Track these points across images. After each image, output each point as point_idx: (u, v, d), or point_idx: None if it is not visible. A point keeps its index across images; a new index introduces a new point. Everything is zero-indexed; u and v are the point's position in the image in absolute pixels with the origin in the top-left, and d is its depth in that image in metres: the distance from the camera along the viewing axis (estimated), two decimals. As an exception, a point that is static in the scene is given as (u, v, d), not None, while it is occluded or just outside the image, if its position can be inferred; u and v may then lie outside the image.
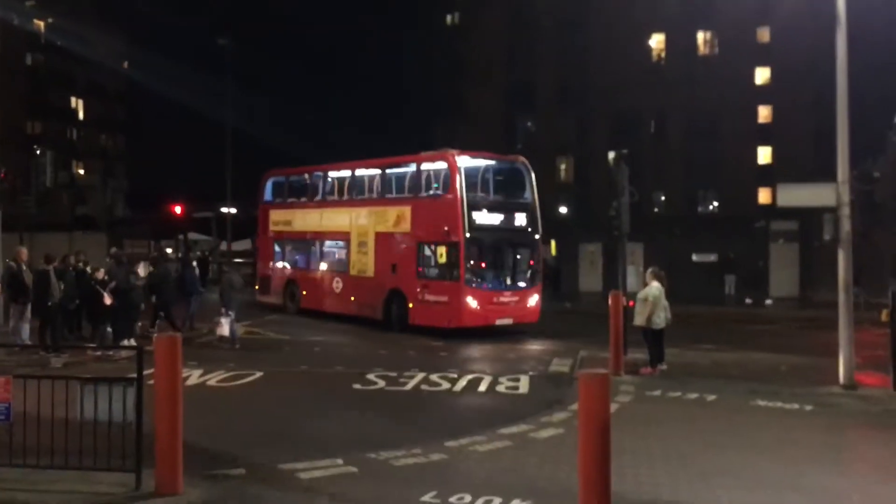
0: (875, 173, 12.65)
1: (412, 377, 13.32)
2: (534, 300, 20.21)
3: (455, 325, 18.77)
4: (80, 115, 65.58)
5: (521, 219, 20.36)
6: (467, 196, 19.20)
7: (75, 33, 53.40)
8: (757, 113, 43.72)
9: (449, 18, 50.29)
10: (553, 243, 18.75)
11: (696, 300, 27.62)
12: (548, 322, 20.87)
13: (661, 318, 13.96)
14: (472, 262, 19.04)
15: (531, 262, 20.59)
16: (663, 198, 44.28)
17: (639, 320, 14.07)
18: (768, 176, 40.99)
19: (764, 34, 43.10)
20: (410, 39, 45.29)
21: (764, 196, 42.60)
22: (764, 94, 43.17)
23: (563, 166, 47.52)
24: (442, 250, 19.44)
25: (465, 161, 19.84)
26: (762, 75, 43.74)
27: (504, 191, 21.14)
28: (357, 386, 12.58)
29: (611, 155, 40.59)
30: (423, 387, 12.63)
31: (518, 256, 20.60)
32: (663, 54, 44.91)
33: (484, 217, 19.49)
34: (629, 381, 12.92)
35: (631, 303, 14.63)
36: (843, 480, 7.81)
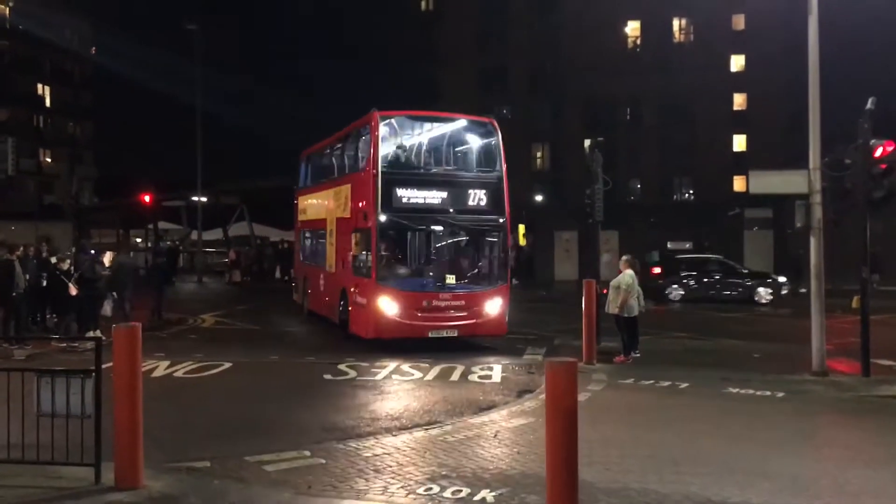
0: (846, 160, 12.65)
1: (384, 367, 13.19)
2: (495, 306, 15.18)
3: (371, 335, 14.94)
4: (47, 102, 64.45)
5: (479, 198, 15.43)
6: (389, 167, 15.24)
7: (41, 18, 52.43)
8: (732, 100, 44.00)
9: (423, 4, 49.99)
10: (522, 228, 16.43)
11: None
12: (523, 311, 20.77)
13: (635, 306, 13.94)
14: (386, 254, 15.23)
15: (492, 255, 15.77)
16: (639, 185, 44.45)
17: (612, 308, 14.05)
18: (743, 163, 41.26)
19: (739, 21, 43.32)
20: (384, 25, 44.81)
21: (739, 184, 42.91)
22: (739, 81, 43.44)
23: (538, 153, 47.53)
24: (357, 238, 15.33)
25: (392, 122, 15.92)
26: (737, 63, 43.98)
27: (458, 161, 17.20)
28: (328, 376, 12.42)
29: (587, 142, 40.73)
30: (395, 376, 12.50)
31: (471, 247, 16.17)
32: (639, 41, 45.00)
33: (413, 194, 15.14)
34: (602, 370, 12.89)
35: (604, 290, 14.60)
36: (814, 466, 7.79)
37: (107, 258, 17.52)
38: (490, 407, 10.04)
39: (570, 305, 23.57)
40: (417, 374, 12.63)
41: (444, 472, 7.30)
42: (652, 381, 12.01)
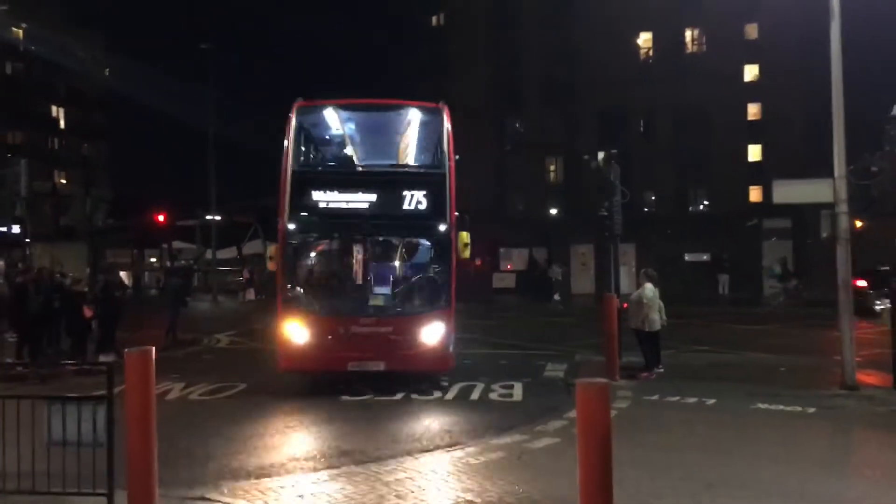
0: (873, 168, 12.37)
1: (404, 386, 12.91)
2: (434, 334, 12.16)
3: (281, 367, 12.57)
4: (62, 124, 64.85)
5: (416, 199, 12.46)
6: (305, 164, 13.05)
7: (55, 41, 52.83)
8: (746, 110, 43.63)
9: (434, 20, 50.05)
10: (465, 237, 12.65)
11: (690, 300, 27.39)
12: (541, 326, 20.50)
13: (657, 321, 13.65)
14: (294, 268, 12.80)
15: (431, 271, 13.14)
16: (653, 197, 44.11)
17: (634, 323, 13.76)
18: (759, 173, 40.87)
19: (752, 30, 43.04)
20: (396, 41, 44.99)
21: (755, 194, 42.48)
22: (753, 91, 43.09)
23: (552, 167, 47.32)
24: (271, 251, 12.93)
25: (315, 113, 13.36)
26: (751, 72, 43.67)
27: (394, 156, 15.00)
28: (345, 397, 12.14)
29: (600, 155, 40.41)
30: (413, 395, 12.22)
31: (403, 261, 13.83)
32: (651, 52, 44.79)
33: (333, 197, 12.48)
34: (626, 386, 12.57)
35: (625, 305, 14.30)
36: (854, 487, 7.47)
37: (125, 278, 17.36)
38: (512, 427, 9.75)
39: (587, 320, 23.28)
40: (437, 394, 12.35)
41: (468, 497, 7.04)
42: (678, 398, 11.69)
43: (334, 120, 13.83)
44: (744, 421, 10.31)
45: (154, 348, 6.61)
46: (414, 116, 13.60)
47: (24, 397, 6.71)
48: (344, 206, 12.47)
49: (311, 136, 13.78)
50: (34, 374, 13.28)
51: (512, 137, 47.55)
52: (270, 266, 12.71)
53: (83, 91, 64.36)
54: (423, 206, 12.45)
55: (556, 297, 35.95)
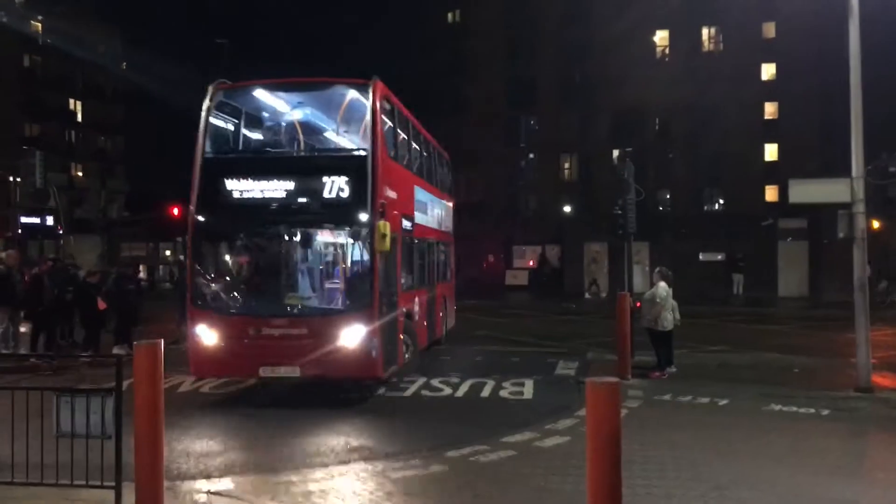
0: (891, 168, 12.21)
1: (413, 382, 12.87)
2: (355, 337, 10.80)
3: (192, 372, 11.67)
4: (79, 117, 65.23)
5: (337, 187, 11.15)
6: (218, 151, 11.91)
7: (72, 34, 53.06)
8: (763, 109, 43.28)
9: (450, 16, 49.95)
10: (383, 227, 10.61)
11: (704, 300, 27.21)
12: (553, 324, 20.44)
13: (670, 320, 13.54)
14: (204, 265, 11.74)
15: (351, 267, 12.10)
16: (668, 196, 43.85)
17: (647, 322, 13.66)
18: (775, 173, 40.57)
19: (769, 29, 42.71)
20: (411, 38, 44.84)
21: (771, 193, 42.18)
22: (770, 90, 42.75)
23: (566, 164, 47.16)
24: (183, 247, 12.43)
25: (234, 95, 12.39)
26: (768, 71, 43.32)
27: (316, 140, 13.71)
28: (354, 393, 12.14)
29: (615, 153, 40.34)
30: (424, 392, 12.19)
31: (320, 256, 12.79)
32: (667, 51, 44.53)
33: (247, 186, 11.40)
34: (637, 385, 12.48)
35: (637, 303, 14.20)
36: (868, 491, 7.37)
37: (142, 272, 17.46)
38: (524, 425, 9.68)
39: (600, 318, 23.17)
40: (447, 391, 12.31)
41: (478, 496, 7.00)
42: (690, 398, 11.59)
43: (256, 102, 12.80)
44: (756, 422, 10.20)
45: (164, 341, 6.62)
46: (340, 95, 12.54)
47: (33, 389, 6.73)
48: (256, 195, 11.35)
49: (230, 120, 12.47)
50: (47, 366, 13.36)
51: (527, 135, 47.41)
52: None
53: (101, 85, 64.72)
54: (342, 194, 11.11)
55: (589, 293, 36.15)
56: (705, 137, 41.54)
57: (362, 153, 11.40)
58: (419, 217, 14.75)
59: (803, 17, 36.53)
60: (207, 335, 11.03)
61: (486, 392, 12.23)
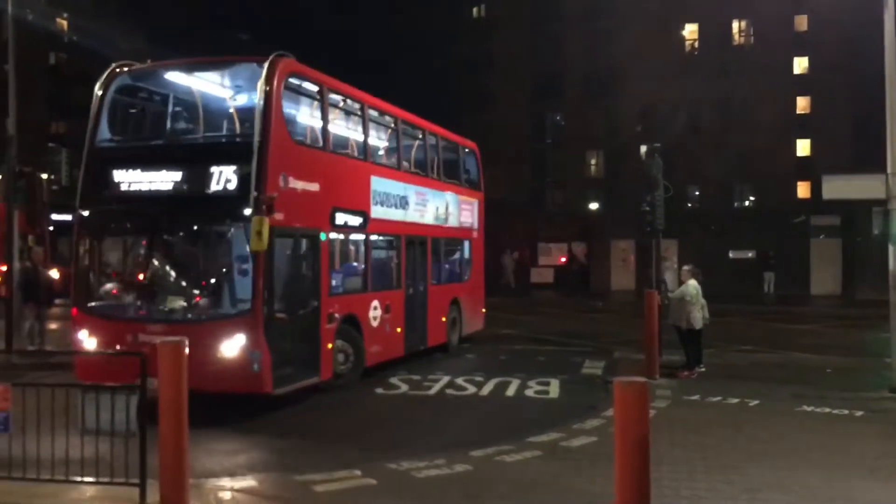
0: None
1: (437, 381, 12.82)
2: (233, 346, 9.60)
3: (77, 376, 9.74)
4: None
5: (224, 177, 10.00)
6: (109, 140, 10.89)
7: (97, 32, 53.60)
8: (795, 104, 42.61)
9: (475, 11, 49.81)
10: (259, 223, 9.18)
11: (734, 298, 26.84)
12: (579, 322, 20.27)
13: (699, 318, 13.34)
14: (86, 264, 10.77)
15: (229, 267, 10.87)
16: (697, 192, 43.36)
17: (675, 320, 13.47)
18: (807, 169, 39.98)
19: (802, 22, 42.06)
20: (436, 33, 44.79)
21: (803, 190, 41.55)
22: (802, 84, 42.10)
23: (592, 161, 46.85)
24: None
25: (135, 77, 11.36)
26: (800, 65, 42.67)
27: (209, 123, 12.02)
28: (379, 390, 12.11)
29: (643, 148, 39.93)
30: (448, 391, 12.12)
31: (200, 255, 11.20)
32: (696, 44, 44.01)
33: (136, 178, 10.38)
34: (665, 385, 12.30)
35: (666, 301, 13.99)
36: (903, 496, 7.17)
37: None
38: (550, 425, 9.56)
39: (627, 316, 22.96)
40: (472, 389, 12.23)
41: (503, 495, 6.91)
42: (719, 398, 11.39)
43: (152, 86, 11.76)
44: (788, 423, 10.00)
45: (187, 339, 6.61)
46: (236, 75, 11.47)
47: (59, 385, 6.75)
48: (139, 189, 10.35)
49: (123, 106, 11.38)
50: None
51: (552, 131, 47.14)
52: None
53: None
54: (227, 186, 9.97)
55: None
56: (735, 132, 41.02)
57: (245, 141, 10.07)
58: (379, 211, 13.19)
59: (837, 9, 35.88)
60: (88, 342, 10.19)
61: (511, 391, 12.12)
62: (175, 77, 11.67)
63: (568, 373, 13.77)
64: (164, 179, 10.31)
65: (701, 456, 8.27)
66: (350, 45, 46.18)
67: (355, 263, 13.36)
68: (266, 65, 10.29)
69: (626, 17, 41.47)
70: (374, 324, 12.93)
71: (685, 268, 14.15)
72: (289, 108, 11.36)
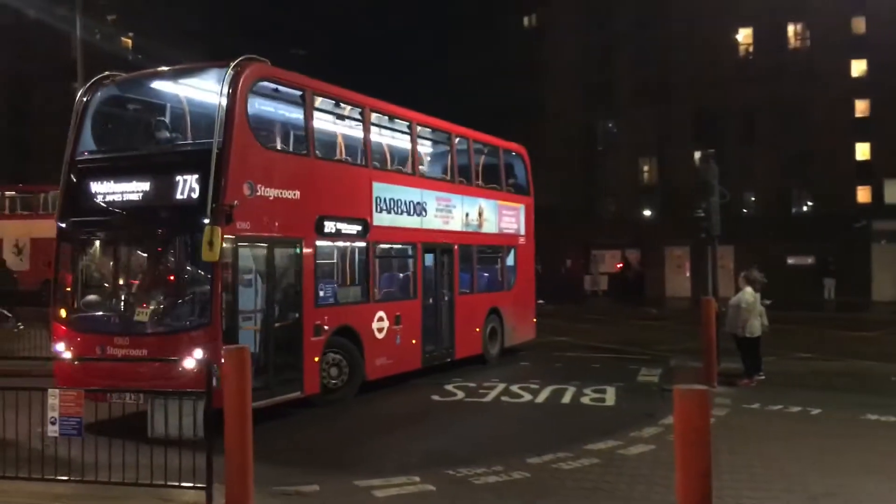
0: None
1: (492, 388, 12.86)
2: (192, 360, 8.95)
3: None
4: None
5: (188, 186, 9.80)
6: (80, 150, 10.79)
7: (160, 49, 54.99)
8: (853, 107, 41.56)
9: (526, 20, 49.81)
10: (211, 233, 8.98)
11: (793, 305, 26.28)
12: (634, 330, 20.07)
13: (757, 326, 13.12)
14: (63, 279, 10.70)
15: (185, 277, 10.48)
16: (753, 198, 42.55)
17: (732, 328, 13.27)
18: (867, 173, 38.95)
19: (859, 24, 41.02)
20: (486, 42, 44.85)
21: (863, 194, 40.43)
22: (861, 87, 41.01)
23: (645, 167, 46.37)
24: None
25: (106, 89, 11.15)
26: (858, 67, 41.59)
27: (180, 132, 11.42)
28: (435, 397, 12.20)
29: (696, 154, 39.37)
30: (504, 398, 12.15)
31: (161, 265, 10.92)
32: (751, 48, 43.28)
33: (109, 189, 10.33)
34: (724, 393, 12.12)
35: (723, 308, 13.80)
36: (975, 507, 6.97)
37: None
38: (606, 433, 9.52)
39: (683, 324, 22.68)
40: (527, 396, 12.24)
41: (564, 503, 6.92)
42: (780, 406, 11.19)
43: (132, 95, 11.71)
44: (852, 432, 9.78)
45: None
46: (203, 81, 11.15)
47: (128, 391, 7.00)
48: (111, 200, 10.28)
49: (103, 117, 11.22)
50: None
51: (604, 138, 46.83)
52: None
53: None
54: (186, 196, 9.76)
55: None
56: (792, 137, 40.18)
57: (204, 147, 9.77)
58: (385, 218, 12.78)
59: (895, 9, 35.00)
60: (65, 354, 10.17)
61: (566, 398, 12.10)
62: (153, 85, 11.64)
63: (624, 380, 13.68)
64: (133, 190, 10.19)
65: (762, 464, 8.16)
66: (401, 55, 46.45)
67: (354, 273, 12.86)
68: (229, 69, 9.99)
69: (680, 24, 41.03)
70: (380, 335, 12.53)
71: (742, 274, 13.95)
72: (260, 114, 11.30)
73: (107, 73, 11.33)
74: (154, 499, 6.69)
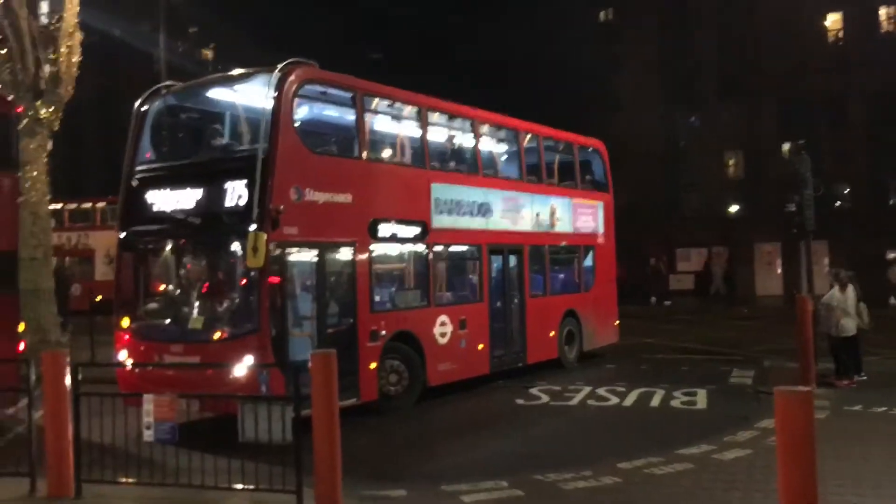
0: None
1: (578, 391, 12.63)
2: (241, 367, 9.09)
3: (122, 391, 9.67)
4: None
5: (236, 193, 9.83)
6: (138, 161, 10.97)
7: (240, 58, 56.33)
8: (954, 92, 39.35)
9: (602, 15, 49.07)
10: (255, 239, 8.96)
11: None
12: (724, 329, 19.44)
13: (851, 325, 12.56)
14: (124, 288, 10.91)
15: (234, 286, 10.26)
16: (847, 191, 40.77)
17: (825, 327, 12.75)
18: (972, 161, 36.83)
19: (957, 6, 38.87)
20: (562, 38, 44.38)
21: (967, 184, 38.21)
22: (961, 71, 38.80)
23: (731, 161, 44.96)
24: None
25: (161, 100, 11.30)
26: (958, 50, 39.38)
27: (231, 139, 11.57)
28: (520, 401, 12.06)
29: (785, 146, 37.98)
30: (590, 401, 11.91)
31: (211, 274, 10.66)
32: (840, 34, 41.52)
33: (164, 199, 10.46)
34: (823, 395, 11.58)
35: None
36: None
37: None
38: (699, 437, 9.21)
39: (775, 323, 21.88)
40: (614, 400, 11.97)
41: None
42: (884, 409, 10.64)
43: (182, 105, 11.72)
44: (966, 436, 9.21)
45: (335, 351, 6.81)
46: (253, 86, 10.86)
47: (217, 396, 7.13)
48: (164, 209, 10.38)
49: (160, 127, 11.39)
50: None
51: (686, 132, 45.69)
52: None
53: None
54: (235, 202, 9.76)
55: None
56: (888, 125, 38.31)
57: (249, 153, 9.90)
58: (445, 220, 12.52)
59: None
60: (124, 356, 10.28)
61: (655, 402, 11.78)
62: (206, 93, 11.76)
63: (715, 383, 13.24)
64: (186, 198, 10.23)
65: (867, 468, 7.77)
66: (476, 53, 46.40)
67: (413, 276, 12.47)
68: (275, 73, 9.98)
69: (763, 12, 39.67)
70: (443, 340, 12.19)
71: (831, 272, 13.45)
72: (309, 117, 11.33)
73: (162, 83, 11.57)
74: (246, 502, 6.80)
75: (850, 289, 12.74)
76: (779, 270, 37.56)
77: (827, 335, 12.82)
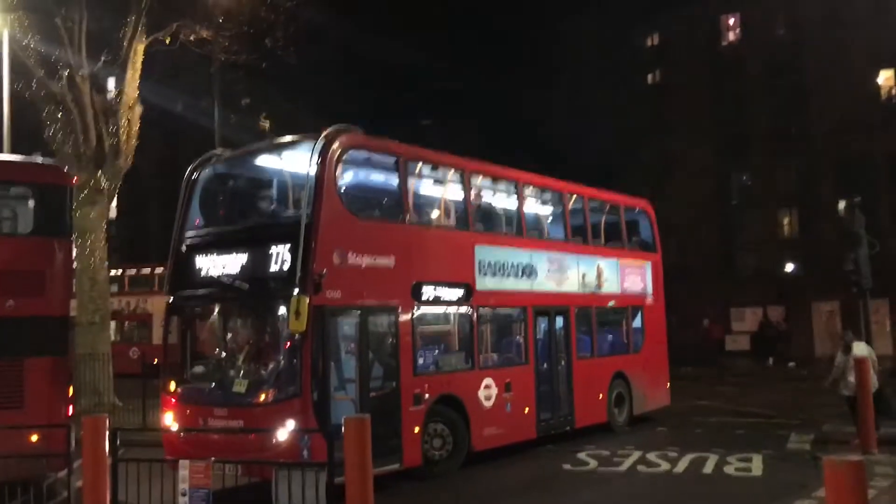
0: None
1: (627, 455, 12.23)
2: (282, 432, 9.10)
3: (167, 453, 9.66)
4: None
5: (280, 258, 10.00)
6: (187, 227, 11.32)
7: (293, 127, 57.53)
8: None
9: (650, 78, 49.26)
10: (298, 303, 9.09)
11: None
12: (781, 392, 18.76)
13: (850, 385, 12.44)
14: (171, 350, 11.23)
15: (279, 350, 10.15)
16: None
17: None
18: None
19: None
20: (611, 103, 44.50)
21: None
22: None
23: (785, 220, 44.18)
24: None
25: (209, 169, 11.67)
26: None
27: (275, 206, 11.79)
28: (567, 466, 11.71)
29: (841, 204, 37.19)
30: (640, 467, 11.51)
31: (255, 338, 10.80)
32: (893, 91, 40.91)
33: (211, 263, 10.69)
34: (887, 461, 11.01)
35: None
36: None
37: None
38: (753, 506, 8.82)
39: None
40: (665, 465, 11.55)
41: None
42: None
43: (230, 173, 12.10)
44: None
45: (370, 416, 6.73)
46: (298, 153, 10.98)
47: (255, 462, 7.07)
48: (210, 273, 10.57)
49: (208, 194, 11.66)
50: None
51: (739, 191, 45.15)
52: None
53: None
54: (278, 267, 9.89)
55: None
56: (946, 180, 37.34)
57: (292, 219, 10.15)
58: (489, 282, 12.43)
59: None
60: (172, 424, 10.39)
61: (708, 468, 11.33)
62: (253, 161, 12.05)
63: (771, 447, 12.70)
64: (233, 263, 10.37)
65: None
66: (527, 119, 46.84)
67: (457, 339, 12.42)
68: (319, 140, 10.20)
69: (815, 71, 39.40)
70: (488, 404, 12.04)
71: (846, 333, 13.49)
72: (353, 182, 11.52)
73: (211, 151, 11.97)
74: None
75: (856, 348, 12.67)
76: (839, 330, 36.37)
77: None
